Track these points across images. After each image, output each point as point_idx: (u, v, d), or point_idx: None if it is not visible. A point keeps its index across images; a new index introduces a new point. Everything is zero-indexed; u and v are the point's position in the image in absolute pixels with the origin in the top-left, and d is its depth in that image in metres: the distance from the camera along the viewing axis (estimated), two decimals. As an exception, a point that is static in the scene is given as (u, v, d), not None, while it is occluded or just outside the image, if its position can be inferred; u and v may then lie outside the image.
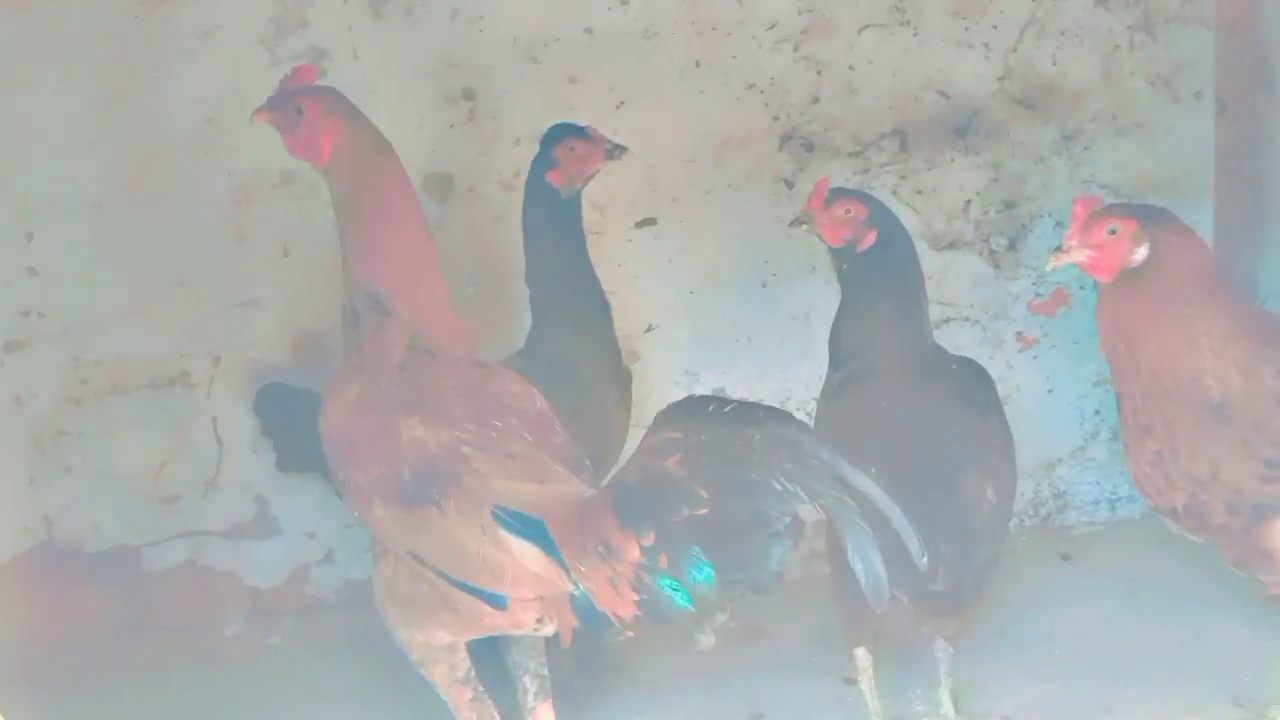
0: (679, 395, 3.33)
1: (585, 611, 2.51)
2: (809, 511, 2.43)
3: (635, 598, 2.44)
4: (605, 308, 3.45)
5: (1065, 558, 4.11)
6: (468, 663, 2.67)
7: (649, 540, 2.41)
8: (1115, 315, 3.05)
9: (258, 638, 3.81)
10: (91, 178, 3.60)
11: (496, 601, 2.56)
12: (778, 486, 2.36)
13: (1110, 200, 3.67)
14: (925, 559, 2.34)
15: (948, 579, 2.90)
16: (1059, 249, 3.04)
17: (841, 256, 3.23)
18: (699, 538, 2.41)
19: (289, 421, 3.69)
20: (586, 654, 3.24)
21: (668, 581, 2.42)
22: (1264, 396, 2.93)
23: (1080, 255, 3.01)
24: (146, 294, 3.70)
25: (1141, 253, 2.99)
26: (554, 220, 3.36)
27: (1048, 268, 3.12)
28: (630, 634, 2.53)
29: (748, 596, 3.60)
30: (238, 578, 3.87)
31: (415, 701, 3.04)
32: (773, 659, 3.60)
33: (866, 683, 3.12)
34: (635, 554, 2.41)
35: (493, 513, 2.54)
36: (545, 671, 2.77)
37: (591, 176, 3.40)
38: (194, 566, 3.81)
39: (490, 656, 2.78)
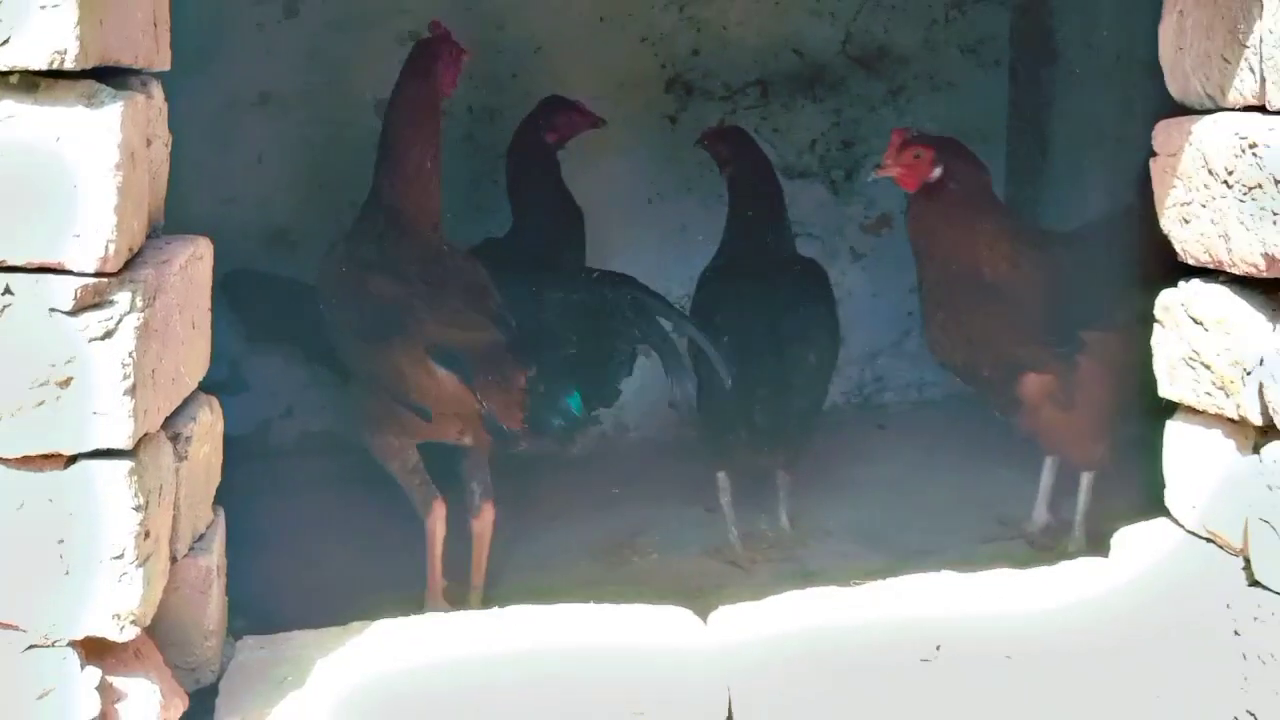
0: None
1: (491, 426, 3.10)
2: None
3: (522, 416, 3.09)
4: (579, 214, 4.00)
5: (881, 427, 4.71)
6: (416, 458, 3.20)
7: (532, 373, 3.08)
8: (918, 218, 3.49)
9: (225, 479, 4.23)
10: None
11: (424, 415, 3.11)
12: (622, 330, 3.06)
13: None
14: (730, 382, 3.13)
15: (767, 417, 3.49)
16: (878, 166, 3.49)
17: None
18: (569, 370, 3.08)
19: (256, 301, 4.08)
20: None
21: (546, 403, 3.09)
22: (1022, 282, 3.38)
23: (893, 172, 3.44)
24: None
25: (937, 172, 3.42)
26: (542, 162, 3.89)
27: (868, 179, 3.60)
28: (524, 446, 3.16)
29: (626, 462, 4.21)
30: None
31: (351, 534, 3.57)
32: (650, 495, 4.07)
33: (725, 499, 3.63)
34: (521, 383, 3.07)
35: (425, 348, 3.07)
36: (489, 479, 3.26)
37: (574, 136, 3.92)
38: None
39: (452, 473, 3.32)
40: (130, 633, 1.84)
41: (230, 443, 4.09)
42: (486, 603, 3.08)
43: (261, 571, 3.38)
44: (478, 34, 4.23)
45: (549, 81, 4.27)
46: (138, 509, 1.82)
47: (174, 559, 2.08)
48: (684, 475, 4.02)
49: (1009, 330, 3.40)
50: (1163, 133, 2.35)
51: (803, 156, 4.70)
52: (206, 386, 4.15)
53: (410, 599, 3.07)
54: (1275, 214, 2.02)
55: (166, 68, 2.15)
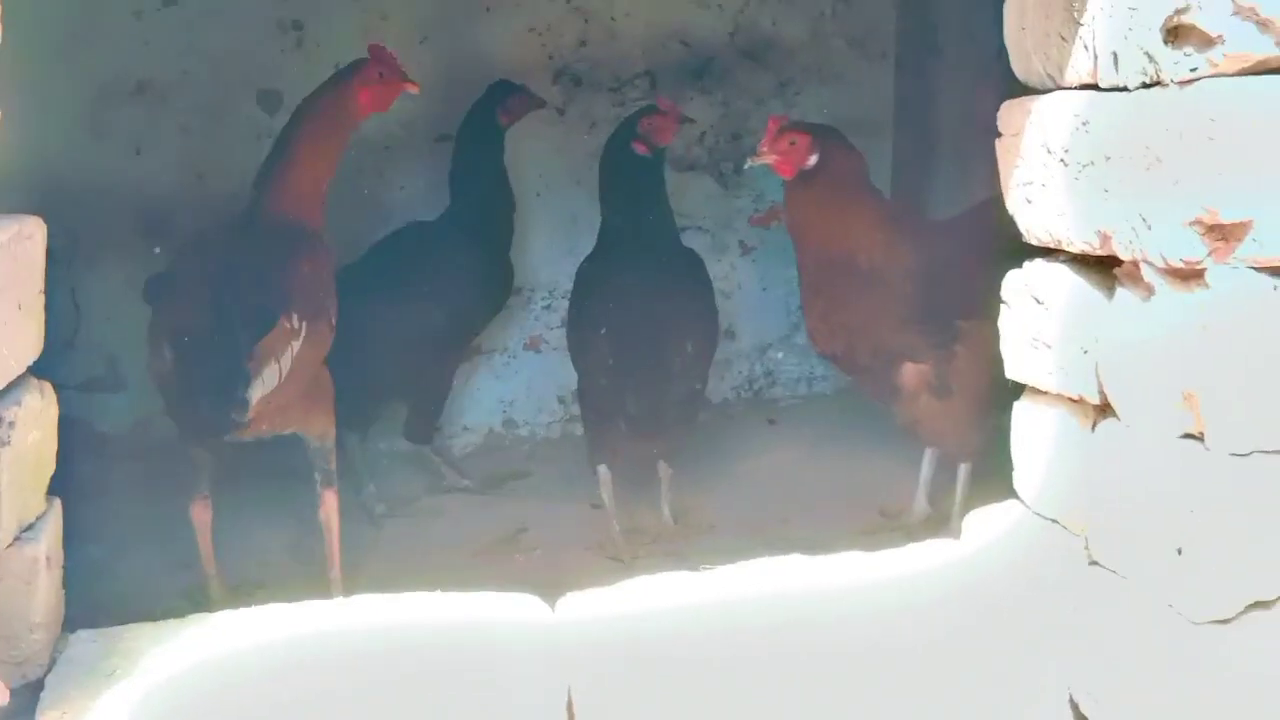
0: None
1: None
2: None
3: None
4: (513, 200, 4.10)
5: (771, 421, 4.68)
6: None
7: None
8: (796, 206, 3.46)
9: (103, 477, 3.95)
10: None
11: None
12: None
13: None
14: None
15: (641, 404, 3.48)
16: (754, 154, 3.45)
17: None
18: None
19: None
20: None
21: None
22: (897, 270, 3.35)
23: (770, 159, 3.40)
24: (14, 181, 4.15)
25: (814, 159, 3.39)
26: (495, 143, 3.95)
27: (745, 166, 3.52)
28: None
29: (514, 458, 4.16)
30: (90, 425, 4.18)
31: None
32: (535, 492, 4.09)
33: (607, 493, 3.59)
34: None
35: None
36: (329, 468, 3.15)
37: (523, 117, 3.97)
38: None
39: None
40: (-63, 620, 1.78)
41: (107, 440, 4.23)
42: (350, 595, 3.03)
43: (120, 567, 3.39)
44: (361, 25, 4.25)
45: (436, 72, 4.24)
46: (-55, 492, 1.76)
47: (-5, 547, 2.02)
48: (571, 472, 4.03)
49: (886, 319, 3.38)
50: (1006, 113, 2.37)
51: (691, 149, 4.69)
52: (83, 384, 4.21)
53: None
54: (1107, 191, 2.03)
55: (-3, 45, 2.09)
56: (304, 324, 2.96)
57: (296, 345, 2.94)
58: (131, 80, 4.26)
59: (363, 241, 4.04)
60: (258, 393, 2.84)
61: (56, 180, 3.90)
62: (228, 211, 3.39)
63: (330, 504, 3.17)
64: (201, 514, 3.16)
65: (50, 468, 2.27)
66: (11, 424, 2.07)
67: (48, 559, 2.18)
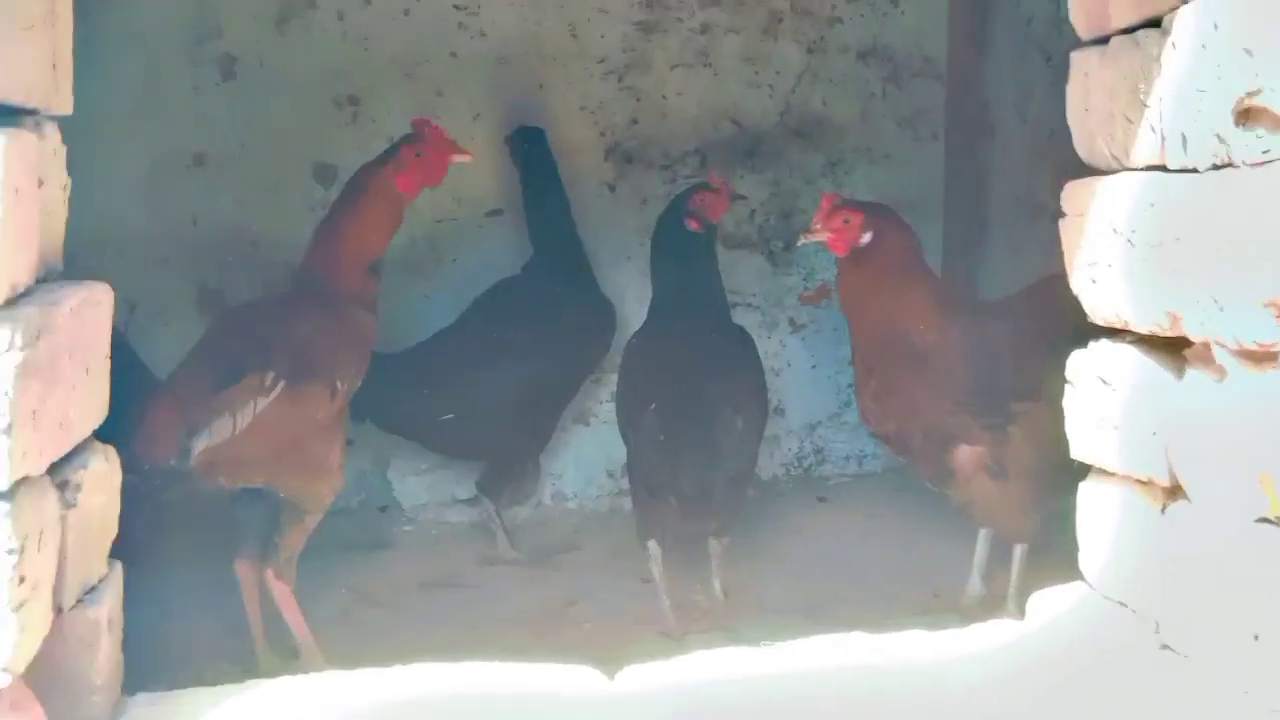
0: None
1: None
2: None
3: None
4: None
5: (821, 500, 4.66)
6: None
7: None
8: (849, 284, 3.45)
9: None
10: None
11: None
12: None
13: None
14: None
15: (693, 483, 3.42)
16: (806, 230, 3.46)
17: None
18: None
19: None
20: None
21: None
22: (951, 351, 3.32)
23: (823, 236, 3.41)
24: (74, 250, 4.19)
25: (867, 238, 3.39)
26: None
27: (798, 244, 3.54)
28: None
29: (563, 531, 4.18)
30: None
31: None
32: (585, 565, 4.06)
33: (657, 569, 3.51)
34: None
35: None
36: (286, 539, 3.12)
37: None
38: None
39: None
40: (2, 680, 1.78)
41: (162, 502, 4.15)
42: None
43: (168, 631, 3.38)
44: (416, 101, 4.33)
45: (489, 148, 4.33)
46: (12, 552, 1.76)
47: (59, 609, 2.02)
48: (620, 545, 4.02)
49: (940, 400, 3.34)
50: (1070, 193, 2.36)
51: (741, 226, 4.71)
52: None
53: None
54: (1177, 272, 2.02)
55: (66, 111, 2.12)
56: (280, 383, 3.02)
57: (262, 403, 2.99)
58: (189, 153, 4.31)
59: (410, 315, 4.09)
60: (202, 443, 2.93)
61: (116, 249, 4.05)
62: (279, 282, 3.43)
63: (271, 584, 3.16)
64: (248, 575, 3.17)
65: (113, 531, 2.27)
66: (78, 487, 2.08)
67: (109, 621, 2.18)
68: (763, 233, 4.76)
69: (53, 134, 2.06)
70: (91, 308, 2.13)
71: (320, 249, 3.24)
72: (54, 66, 2.03)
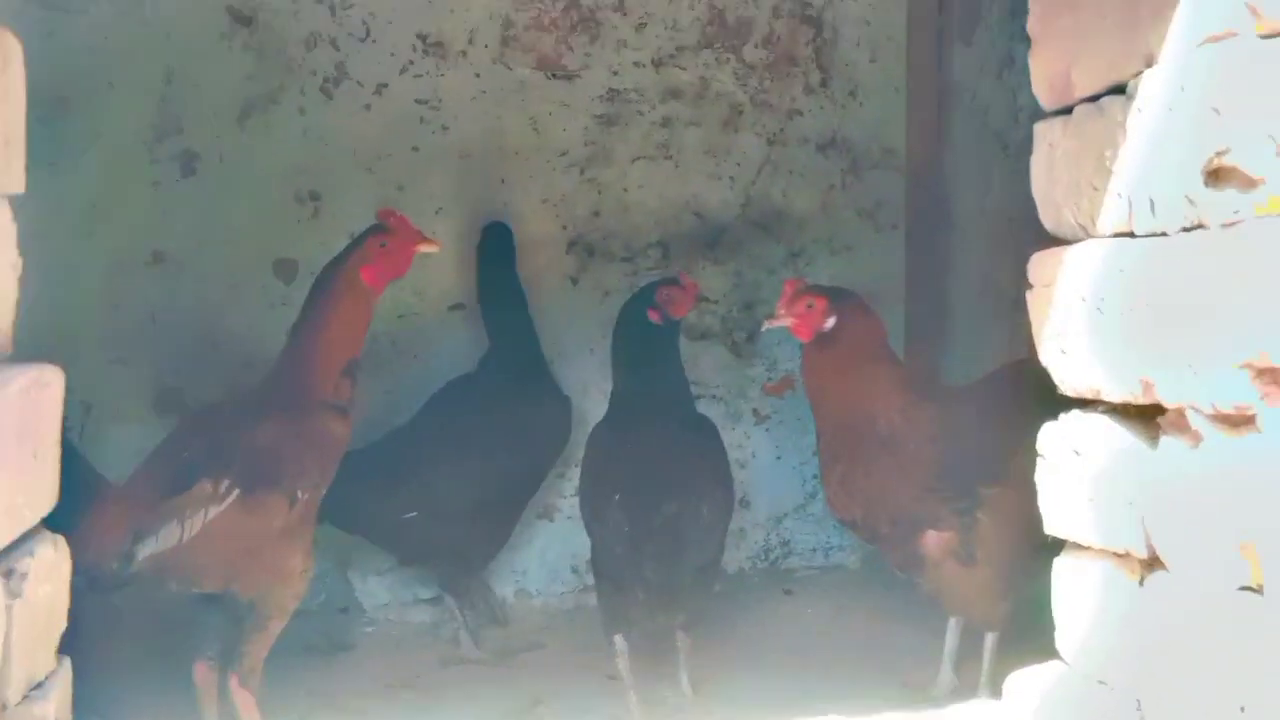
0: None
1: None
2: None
3: None
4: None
5: (788, 592, 4.60)
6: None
7: None
8: (814, 369, 3.46)
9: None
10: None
11: None
12: None
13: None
14: None
15: (659, 573, 3.37)
16: (771, 315, 3.48)
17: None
18: None
19: None
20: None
21: None
22: (917, 436, 3.33)
23: (787, 321, 3.42)
24: (29, 349, 4.14)
25: (831, 322, 3.41)
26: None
27: (762, 329, 3.56)
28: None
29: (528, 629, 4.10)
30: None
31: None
32: (551, 663, 3.99)
33: (624, 664, 3.46)
34: None
35: None
36: (250, 646, 3.06)
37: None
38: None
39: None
40: (-60, 779, 1.69)
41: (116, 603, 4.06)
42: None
43: None
44: (377, 196, 4.30)
45: (451, 242, 4.32)
46: (-49, 642, 1.69)
47: (3, 706, 1.94)
48: (586, 642, 3.97)
49: (906, 485, 3.34)
50: (1037, 264, 2.35)
51: (704, 318, 4.70)
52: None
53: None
54: (1148, 338, 2.00)
55: (18, 189, 2.09)
56: (235, 491, 2.98)
57: (214, 510, 2.95)
58: (149, 250, 4.28)
59: (373, 412, 4.01)
60: (148, 549, 2.91)
61: (71, 348, 3.81)
62: (240, 382, 3.38)
63: (235, 693, 3.07)
64: (206, 677, 3.09)
65: (61, 624, 2.20)
66: (24, 575, 2.01)
67: (57, 719, 2.09)
68: (725, 324, 4.76)
69: (3, 211, 2.01)
70: (41, 389, 2.07)
71: (290, 351, 3.20)
72: (5, 143, 2.00)
